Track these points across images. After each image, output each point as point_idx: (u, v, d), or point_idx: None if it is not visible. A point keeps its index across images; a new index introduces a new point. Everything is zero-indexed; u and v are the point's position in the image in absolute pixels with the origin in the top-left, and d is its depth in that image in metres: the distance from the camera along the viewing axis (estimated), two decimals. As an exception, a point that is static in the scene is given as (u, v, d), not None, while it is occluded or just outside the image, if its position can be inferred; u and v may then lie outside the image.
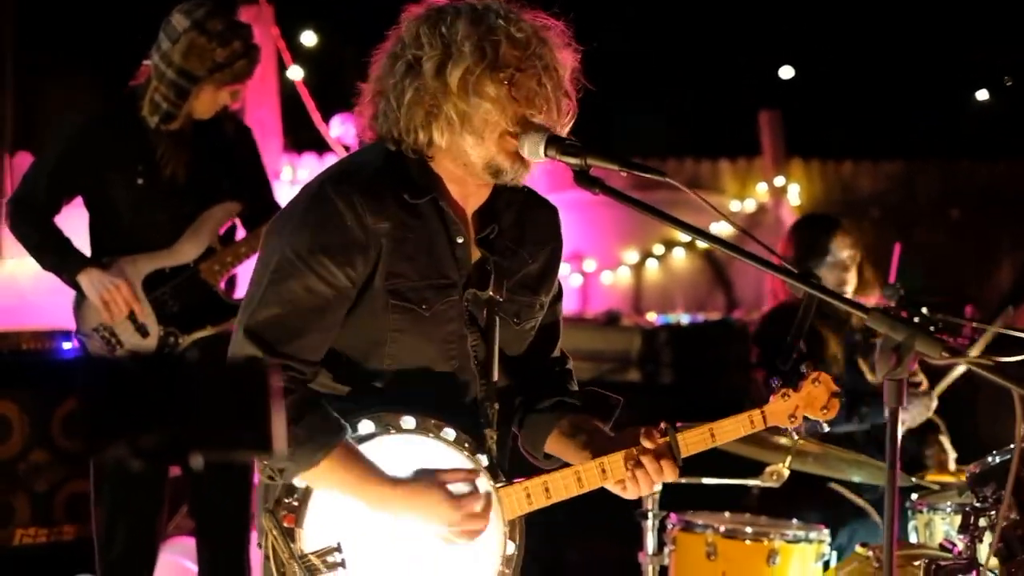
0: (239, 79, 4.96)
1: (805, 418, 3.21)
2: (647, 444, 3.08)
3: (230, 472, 5.07)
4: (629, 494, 3.14)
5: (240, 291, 5.14)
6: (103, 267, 4.88)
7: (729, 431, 3.19)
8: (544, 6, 3.11)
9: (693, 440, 3.16)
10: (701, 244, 11.61)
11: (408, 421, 3.03)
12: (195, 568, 5.25)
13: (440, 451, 3.05)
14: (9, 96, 7.50)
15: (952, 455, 5.63)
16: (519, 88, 2.96)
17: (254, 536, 5.81)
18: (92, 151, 4.91)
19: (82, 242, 5.06)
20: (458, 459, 3.06)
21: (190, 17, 4.86)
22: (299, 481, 2.96)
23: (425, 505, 2.97)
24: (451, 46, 2.96)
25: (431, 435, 3.05)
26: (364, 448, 2.99)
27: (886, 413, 5.37)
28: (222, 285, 5.05)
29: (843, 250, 5.65)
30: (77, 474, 5.22)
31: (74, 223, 5.10)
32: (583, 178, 2.91)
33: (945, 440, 5.63)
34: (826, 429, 3.25)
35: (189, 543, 5.55)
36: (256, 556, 5.44)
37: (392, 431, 3.02)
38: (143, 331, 4.90)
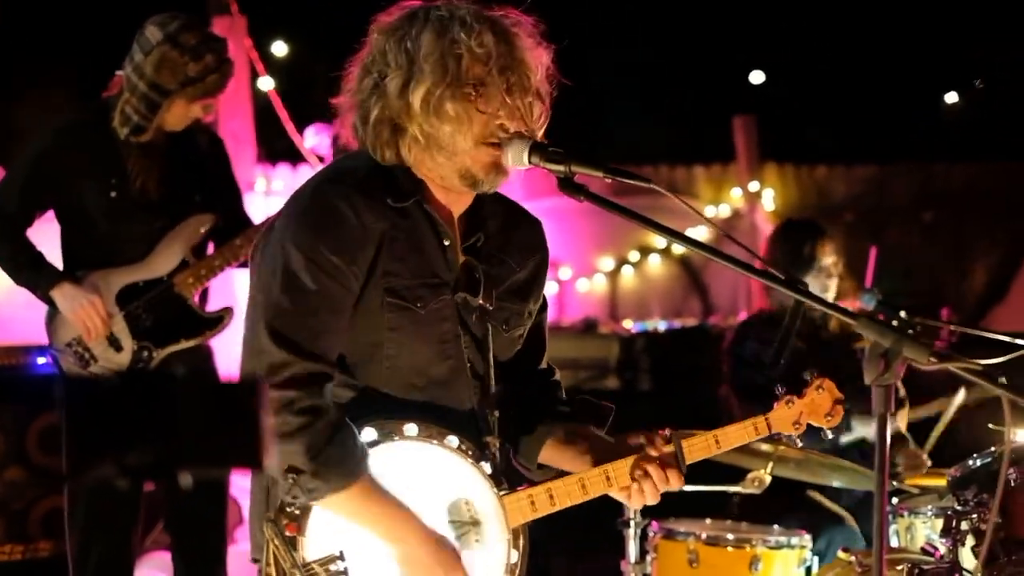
0: (211, 93, 4.92)
1: (809, 426, 3.19)
2: (652, 452, 3.07)
3: (206, 487, 5.03)
4: (633, 503, 3.12)
5: (213, 304, 5.11)
6: (77, 281, 4.84)
7: (733, 438, 3.18)
8: (517, 4, 3.08)
9: (697, 447, 3.15)
10: (677, 250, 11.65)
11: (411, 428, 3.01)
12: (172, 583, 5.21)
13: (444, 458, 3.03)
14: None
15: (924, 455, 5.63)
16: (486, 101, 2.94)
17: (235, 550, 5.78)
18: (64, 162, 4.87)
19: (54, 256, 5.02)
20: (462, 466, 3.04)
21: (163, 30, 4.82)
22: (317, 505, 2.93)
23: (440, 560, 2.96)
24: (413, 64, 2.95)
25: (434, 442, 3.03)
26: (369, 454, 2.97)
27: (854, 432, 5.42)
28: (196, 298, 5.02)
29: (827, 257, 5.64)
30: (53, 490, 5.18)
31: (45, 236, 5.05)
32: (567, 185, 2.89)
33: (912, 445, 5.63)
34: (829, 436, 3.24)
35: (166, 557, 5.51)
36: (237, 569, 5.41)
37: (395, 438, 3.00)
38: (117, 345, 4.86)
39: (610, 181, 2.90)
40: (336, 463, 2.87)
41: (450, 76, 2.92)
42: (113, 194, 4.88)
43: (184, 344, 4.95)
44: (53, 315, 4.89)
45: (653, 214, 2.96)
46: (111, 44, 5.02)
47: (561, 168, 2.89)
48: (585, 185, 2.91)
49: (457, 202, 3.12)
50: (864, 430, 5.49)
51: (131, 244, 4.93)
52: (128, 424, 1.30)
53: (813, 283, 5.52)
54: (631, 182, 2.86)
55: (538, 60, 3.01)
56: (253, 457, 1.33)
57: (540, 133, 3.02)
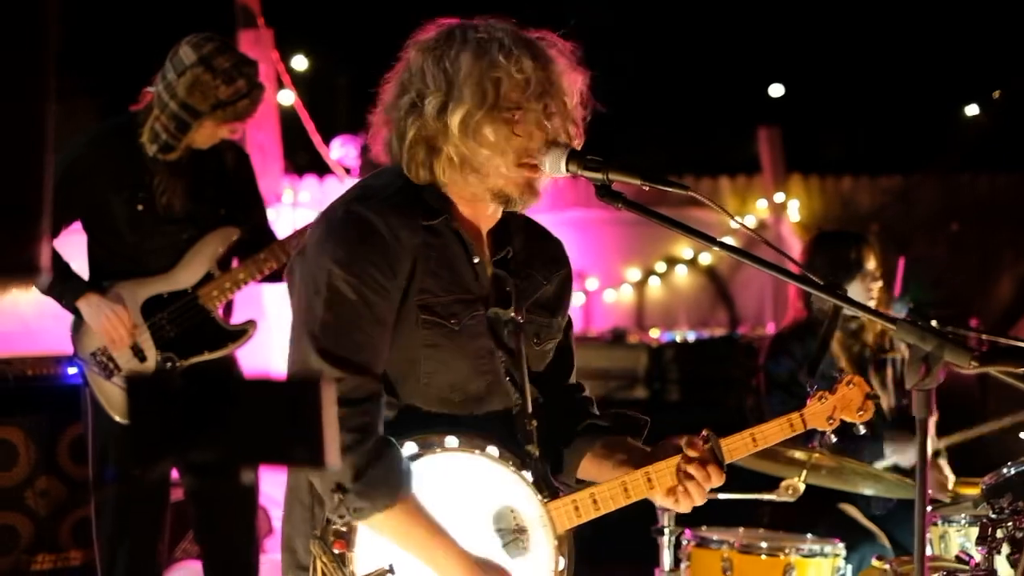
0: (240, 118, 4.95)
1: (842, 421, 3.20)
2: (691, 453, 3.07)
3: (235, 496, 5.06)
4: (682, 507, 3.12)
5: (237, 317, 5.13)
6: (102, 292, 4.87)
7: (770, 435, 3.18)
8: (554, 26, 3.10)
9: (735, 446, 3.15)
10: (703, 261, 11.64)
11: (451, 440, 3.02)
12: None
13: (486, 468, 3.04)
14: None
15: (952, 478, 5.61)
16: (523, 125, 2.96)
17: (266, 558, 5.79)
18: (92, 173, 4.89)
19: (80, 267, 5.04)
20: (504, 475, 3.05)
21: (198, 52, 4.83)
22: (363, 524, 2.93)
23: None
24: (452, 86, 2.97)
25: (476, 452, 3.04)
26: (412, 466, 2.97)
27: (887, 459, 5.41)
28: (220, 311, 5.04)
29: (870, 262, 5.64)
30: (83, 500, 5.20)
31: (71, 247, 5.07)
32: (605, 192, 2.91)
33: (943, 463, 5.62)
34: (862, 431, 3.24)
35: (196, 566, 5.53)
36: (267, 572, 5.42)
37: (437, 450, 3.01)
38: (141, 356, 4.88)
39: (648, 189, 2.91)
40: (382, 483, 2.87)
41: (489, 101, 2.94)
42: (140, 207, 4.91)
43: (207, 356, 4.98)
44: (78, 325, 4.92)
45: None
46: (136, 58, 5.04)
47: (599, 176, 2.91)
48: (623, 193, 2.93)
49: (485, 219, 3.14)
50: (897, 457, 5.48)
51: (156, 256, 4.96)
52: (191, 422, 1.31)
53: (858, 288, 5.51)
54: (668, 189, 2.87)
55: (574, 84, 3.04)
56: (317, 454, 1.34)
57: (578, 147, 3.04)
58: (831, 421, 3.20)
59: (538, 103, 2.96)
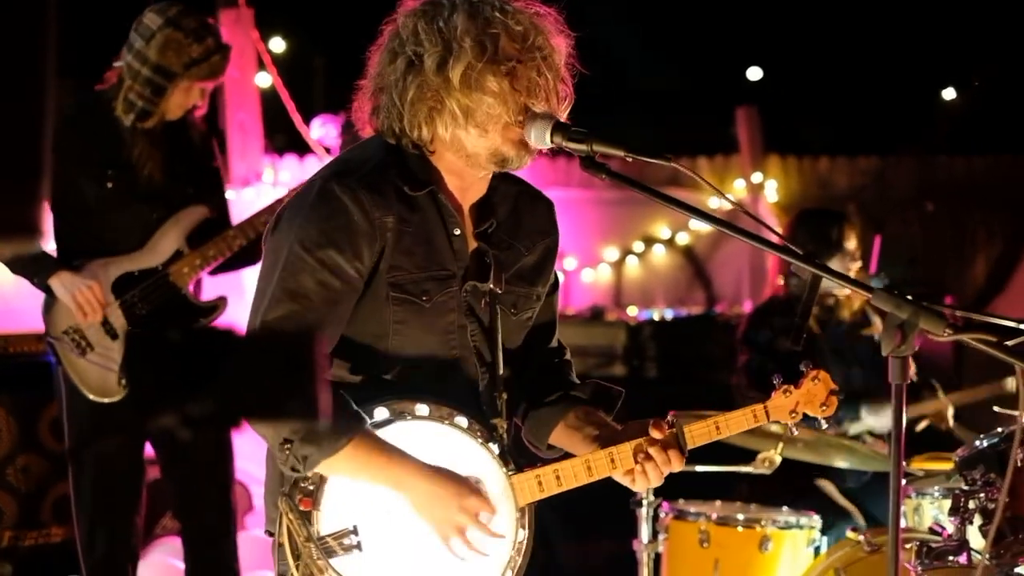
0: (215, 75, 4.97)
1: (805, 415, 3.26)
2: (656, 434, 3.12)
3: (212, 470, 5.09)
4: (638, 485, 3.18)
5: (207, 294, 5.15)
6: (74, 270, 4.87)
7: (733, 424, 3.23)
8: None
9: (699, 432, 3.20)
10: (681, 240, 11.69)
11: (422, 408, 3.07)
12: (182, 566, 5.26)
13: (454, 437, 3.10)
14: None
15: (951, 409, 5.70)
16: (519, 79, 2.99)
17: (246, 535, 5.82)
18: (62, 153, 4.89)
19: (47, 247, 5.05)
20: (472, 446, 3.11)
21: (163, 15, 4.87)
22: (318, 470, 2.98)
23: (453, 491, 3.02)
24: (451, 42, 2.99)
25: (445, 422, 3.09)
26: (381, 433, 3.03)
27: (863, 421, 5.47)
28: (190, 288, 5.05)
29: (851, 241, 5.72)
30: (65, 476, 5.23)
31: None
32: (590, 164, 2.94)
33: (942, 395, 5.71)
34: (824, 426, 3.30)
35: (176, 542, 5.56)
36: (248, 548, 5.46)
37: (408, 417, 3.06)
38: (112, 334, 4.89)
39: (631, 161, 2.94)
40: (324, 428, 2.90)
41: (488, 53, 2.97)
42: (110, 184, 4.91)
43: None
44: (50, 304, 4.92)
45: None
46: (115, 35, 5.04)
47: (583, 147, 2.94)
48: (607, 164, 2.96)
49: (471, 189, 3.17)
50: (872, 420, 5.55)
51: (126, 234, 4.96)
52: (189, 377, 1.34)
53: (836, 266, 5.57)
54: (653, 161, 2.90)
55: (561, 47, 3.08)
56: (288, 423, 1.36)
57: (565, 115, 3.08)
58: (793, 415, 3.25)
59: (535, 56, 3.00)
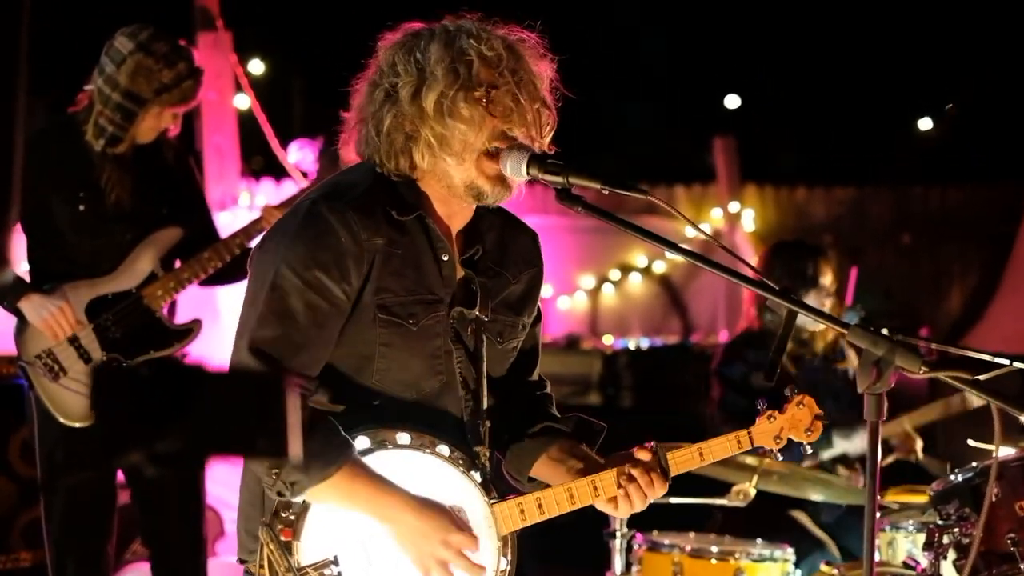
0: (187, 100, 4.93)
1: (789, 440, 3.24)
2: (640, 456, 3.12)
3: (180, 499, 5.05)
4: (621, 511, 3.16)
5: (181, 316, 5.12)
6: (45, 293, 4.83)
7: (717, 451, 3.22)
8: (519, 21, 3.13)
9: (682, 459, 3.19)
10: (657, 269, 11.70)
11: (403, 437, 3.06)
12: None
13: (435, 467, 3.08)
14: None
15: (919, 442, 5.70)
16: (495, 105, 2.99)
17: (216, 562, 5.77)
18: (34, 175, 4.85)
19: (20, 270, 5.01)
20: (453, 474, 3.09)
21: (134, 39, 4.83)
22: (305, 497, 2.96)
23: (436, 526, 3.00)
24: (424, 70, 3.00)
25: (427, 451, 3.07)
26: (363, 461, 3.01)
27: (835, 447, 5.47)
28: (164, 311, 5.02)
29: (826, 276, 5.72)
30: (34, 501, 5.18)
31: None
32: (565, 196, 2.93)
33: (909, 426, 5.71)
34: (809, 451, 3.29)
35: (146, 568, 5.51)
36: (218, 574, 5.41)
37: (389, 446, 3.04)
38: (86, 357, 4.85)
39: (607, 193, 2.92)
40: (314, 454, 2.88)
41: (461, 80, 2.97)
42: (82, 207, 4.87)
43: (153, 355, 4.96)
44: (22, 328, 4.87)
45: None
46: (91, 56, 5.00)
47: (559, 179, 2.92)
48: (583, 196, 2.94)
49: (458, 216, 3.17)
50: (845, 444, 5.55)
51: (99, 257, 4.92)
52: (159, 413, 1.32)
53: (811, 302, 5.58)
54: (628, 194, 2.88)
55: (543, 71, 3.07)
56: (278, 448, 1.35)
57: (547, 140, 3.07)
58: (778, 440, 3.24)
59: (509, 80, 2.99)
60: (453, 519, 3.03)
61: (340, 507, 2.99)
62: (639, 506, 3.14)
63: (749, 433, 3.24)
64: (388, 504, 2.99)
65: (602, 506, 3.16)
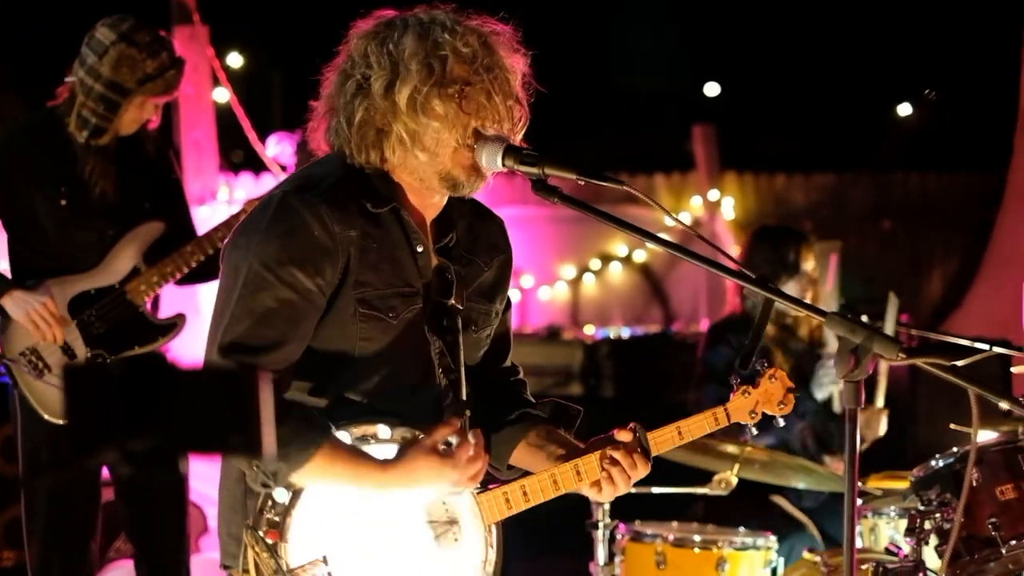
0: (170, 89, 4.91)
1: (764, 414, 3.25)
2: (621, 437, 3.11)
3: (164, 495, 5.03)
4: (605, 495, 3.15)
5: (165, 311, 5.10)
6: (28, 289, 4.81)
7: (695, 429, 3.22)
8: (493, 12, 3.12)
9: (661, 439, 3.19)
10: (638, 258, 11.71)
11: (384, 431, 3.03)
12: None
13: None
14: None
15: (883, 417, 5.72)
16: (469, 101, 2.97)
17: (200, 559, 5.76)
18: (14, 170, 4.83)
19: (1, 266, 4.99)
20: None
21: (116, 30, 4.80)
22: (281, 494, 2.93)
23: (424, 474, 2.98)
24: (398, 64, 2.98)
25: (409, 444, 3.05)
26: None
27: (823, 388, 5.49)
28: (148, 306, 5.00)
29: (808, 263, 5.73)
30: (16, 499, 5.16)
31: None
32: (541, 187, 2.92)
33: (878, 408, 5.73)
34: (782, 424, 3.29)
35: (128, 565, 5.50)
36: (201, 570, 5.40)
37: (371, 441, 3.02)
38: (70, 353, 4.83)
39: (583, 184, 2.92)
40: (290, 440, 2.86)
41: (435, 76, 2.95)
42: (63, 202, 4.84)
43: (137, 351, 4.93)
44: (5, 325, 4.84)
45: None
46: (68, 51, 4.98)
47: (534, 170, 2.91)
48: (559, 187, 2.94)
49: (431, 206, 3.14)
50: (832, 387, 5.58)
51: (81, 252, 4.89)
52: (131, 411, 1.32)
53: (794, 288, 5.60)
54: (605, 184, 2.88)
55: (516, 66, 3.05)
56: (253, 445, 1.35)
57: (520, 136, 3.06)
58: (753, 415, 3.25)
59: (483, 78, 2.97)
60: (434, 454, 2.98)
61: (329, 485, 2.95)
62: (623, 488, 3.13)
63: (726, 409, 3.23)
64: (373, 478, 2.96)
65: (586, 490, 3.14)
